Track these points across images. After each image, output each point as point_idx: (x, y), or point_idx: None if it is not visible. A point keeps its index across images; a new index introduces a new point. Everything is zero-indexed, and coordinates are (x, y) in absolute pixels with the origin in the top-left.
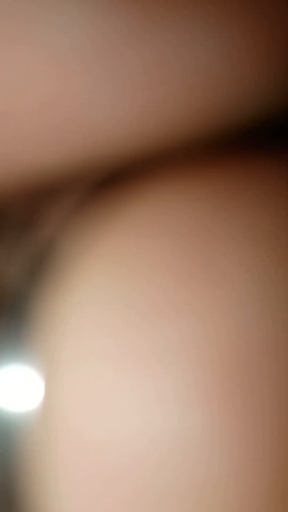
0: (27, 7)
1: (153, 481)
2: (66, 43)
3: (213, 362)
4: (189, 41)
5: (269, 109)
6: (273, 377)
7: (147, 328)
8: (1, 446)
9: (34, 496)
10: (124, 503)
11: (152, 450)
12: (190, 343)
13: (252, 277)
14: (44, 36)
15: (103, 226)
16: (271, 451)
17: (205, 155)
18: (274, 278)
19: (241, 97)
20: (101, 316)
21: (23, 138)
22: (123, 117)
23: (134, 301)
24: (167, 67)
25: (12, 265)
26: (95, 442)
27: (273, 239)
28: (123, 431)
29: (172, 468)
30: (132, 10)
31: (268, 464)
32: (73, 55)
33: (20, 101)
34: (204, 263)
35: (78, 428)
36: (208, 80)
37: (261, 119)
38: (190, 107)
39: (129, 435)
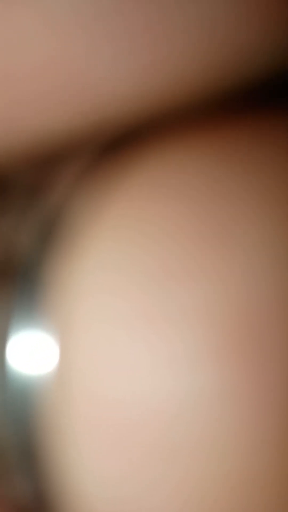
0: None
1: (165, 436)
2: (64, 4)
3: (224, 324)
4: None
5: (276, 66)
6: (284, 338)
7: (159, 291)
8: (20, 408)
9: (53, 453)
10: (138, 456)
11: (164, 407)
12: (201, 305)
13: (263, 240)
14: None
15: (112, 190)
16: (281, 408)
17: (212, 115)
18: (283, 237)
19: (247, 54)
20: (112, 279)
21: (25, 102)
22: (125, 78)
23: (145, 264)
24: (170, 24)
25: (23, 232)
26: (109, 400)
27: (284, 200)
28: (136, 390)
29: (184, 424)
30: None
31: (277, 421)
32: (71, 16)
33: (18, 63)
34: (215, 225)
35: (93, 388)
36: (213, 36)
37: (268, 76)
38: (195, 65)
39: (142, 393)
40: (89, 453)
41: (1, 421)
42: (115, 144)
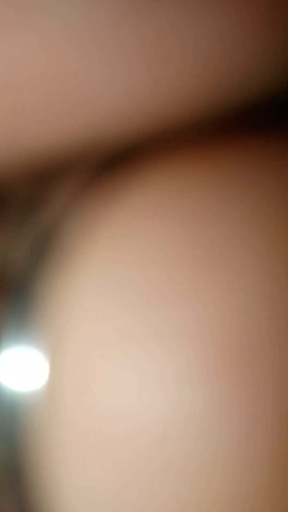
0: None
1: (154, 454)
2: (61, 25)
3: (214, 343)
4: (188, 17)
5: (271, 88)
6: (274, 358)
7: (149, 310)
8: (8, 424)
9: (41, 469)
10: (126, 473)
11: (153, 426)
12: (192, 325)
13: (254, 261)
14: (34, 22)
15: (107, 208)
16: (271, 428)
17: (207, 136)
18: (277, 262)
19: (243, 76)
20: (104, 297)
21: (22, 116)
22: (122, 96)
23: (136, 284)
24: (166, 46)
25: (17, 247)
26: (98, 417)
27: (276, 222)
28: (125, 408)
29: (172, 443)
30: None
31: (267, 442)
32: (69, 36)
33: (16, 79)
34: (207, 246)
35: (82, 405)
36: (209, 59)
37: (263, 99)
38: (190, 86)
39: (131, 411)
40: (78, 470)
41: None
42: (112, 161)
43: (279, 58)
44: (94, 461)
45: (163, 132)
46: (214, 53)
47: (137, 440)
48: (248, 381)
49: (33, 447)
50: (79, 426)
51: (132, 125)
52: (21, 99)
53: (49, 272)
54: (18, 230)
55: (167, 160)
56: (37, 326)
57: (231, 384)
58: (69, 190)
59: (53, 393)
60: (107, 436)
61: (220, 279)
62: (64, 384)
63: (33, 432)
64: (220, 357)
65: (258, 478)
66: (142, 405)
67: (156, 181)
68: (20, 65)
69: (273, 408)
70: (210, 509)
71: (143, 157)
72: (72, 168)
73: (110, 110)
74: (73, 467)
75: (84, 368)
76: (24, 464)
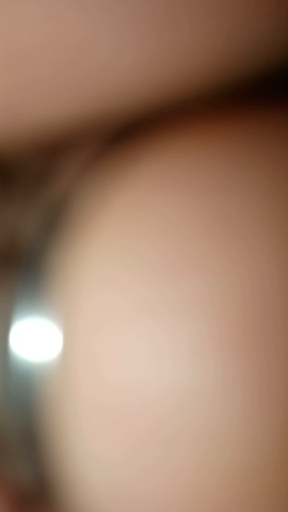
0: None
1: (166, 424)
2: None
3: (227, 315)
4: None
5: (283, 58)
6: (285, 328)
7: (161, 282)
8: (23, 395)
9: (55, 438)
10: (138, 441)
11: (166, 395)
12: (204, 296)
13: (267, 233)
14: None
15: (117, 181)
16: (283, 400)
17: (218, 106)
18: None
19: (254, 45)
20: (116, 269)
21: (29, 88)
22: (130, 67)
23: (148, 255)
24: (175, 15)
25: (27, 220)
26: (111, 387)
27: None
28: (137, 378)
29: (185, 413)
30: None
31: (279, 413)
32: (75, 4)
33: (22, 51)
34: (218, 217)
35: (95, 375)
36: (219, 27)
37: (274, 68)
38: (200, 56)
39: (144, 381)
40: (91, 438)
41: (4, 406)
42: (120, 134)
43: None
44: (107, 430)
45: (172, 103)
46: (224, 21)
47: (150, 409)
48: (260, 352)
49: (47, 417)
50: (92, 396)
51: (140, 96)
52: (27, 70)
53: (60, 244)
54: (28, 204)
55: (176, 132)
56: (49, 298)
57: (244, 355)
58: (78, 163)
59: (66, 363)
60: (120, 406)
61: (232, 250)
62: (77, 354)
63: (47, 402)
64: (232, 328)
65: (269, 449)
66: (155, 375)
67: (166, 153)
68: (25, 35)
69: (285, 382)
70: (221, 479)
71: (152, 128)
72: (81, 140)
73: (118, 81)
74: (87, 436)
75: (97, 339)
76: (38, 433)
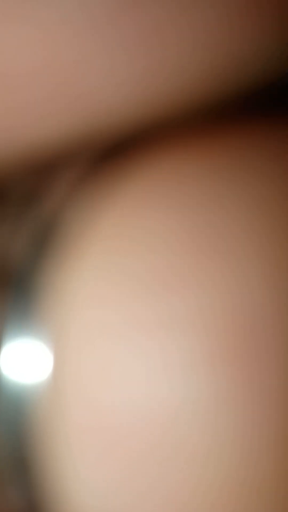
0: None
1: (160, 445)
2: (59, 16)
3: (218, 331)
4: (186, 5)
5: (270, 74)
6: (278, 344)
7: (152, 299)
8: (13, 416)
9: (47, 462)
10: (132, 464)
11: (159, 415)
12: (195, 313)
13: (255, 247)
14: (32, 12)
15: (108, 199)
16: (276, 416)
17: (206, 123)
18: (278, 248)
19: (240, 62)
20: (107, 288)
21: (21, 110)
22: (121, 86)
23: (138, 273)
24: (164, 34)
25: (18, 240)
26: (103, 408)
27: (276, 208)
28: (130, 398)
29: (179, 431)
30: None
31: (273, 429)
32: (67, 27)
33: (15, 73)
34: (208, 233)
35: (87, 397)
36: (207, 45)
37: (261, 84)
38: (189, 73)
39: (137, 401)
40: (83, 462)
41: None
42: (111, 152)
43: (277, 43)
44: (99, 452)
45: (162, 121)
46: (211, 39)
47: (143, 430)
48: (252, 367)
49: (38, 439)
50: (84, 418)
51: (131, 115)
52: (19, 93)
53: (50, 264)
54: (18, 223)
55: (166, 149)
56: (39, 318)
57: (236, 371)
58: (68, 182)
59: (57, 384)
60: (112, 427)
61: (222, 266)
62: (68, 375)
63: (37, 424)
64: (224, 344)
65: (264, 465)
66: (147, 395)
67: (156, 170)
68: (18, 57)
69: (278, 394)
70: (217, 498)
71: (142, 146)
72: (72, 159)
73: (109, 101)
74: (78, 459)
75: (88, 359)
76: (29, 456)
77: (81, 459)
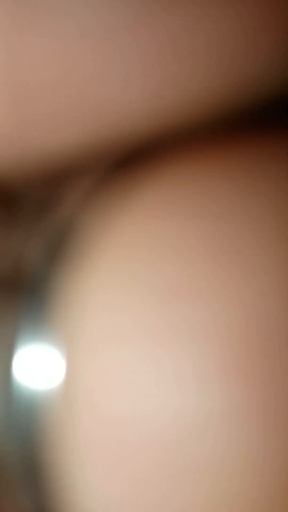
0: None
1: (172, 455)
2: (74, 27)
3: (231, 341)
4: (202, 18)
5: (284, 87)
6: None
7: (165, 308)
8: (25, 422)
9: (57, 469)
10: (143, 475)
11: (171, 425)
12: (208, 322)
13: (269, 256)
14: (49, 24)
15: (120, 208)
16: None
17: (220, 135)
18: None
19: (256, 76)
20: (119, 296)
21: (37, 121)
22: (135, 98)
23: (152, 281)
24: (179, 46)
25: (32, 247)
26: (115, 417)
27: None
28: (142, 407)
29: (191, 444)
30: None
31: (287, 441)
32: (82, 38)
33: (30, 84)
34: (222, 243)
35: (99, 405)
36: (222, 58)
37: (276, 97)
38: (203, 86)
39: (148, 411)
40: (93, 470)
41: (6, 435)
42: (124, 162)
43: None
44: (110, 460)
45: (175, 131)
46: (226, 53)
47: (154, 440)
48: (266, 378)
49: (49, 446)
50: (95, 426)
51: (144, 125)
52: (35, 105)
53: (64, 271)
54: (32, 230)
55: (179, 159)
56: (52, 325)
57: (249, 382)
58: (82, 190)
59: (69, 391)
60: (123, 436)
61: (235, 275)
62: (80, 382)
63: (49, 431)
64: (237, 354)
65: (279, 479)
66: (160, 404)
67: (169, 180)
68: (34, 68)
69: None
70: (230, 511)
71: (155, 156)
72: (87, 168)
73: (124, 112)
74: (89, 467)
75: (101, 366)
76: (40, 463)
77: (91, 467)
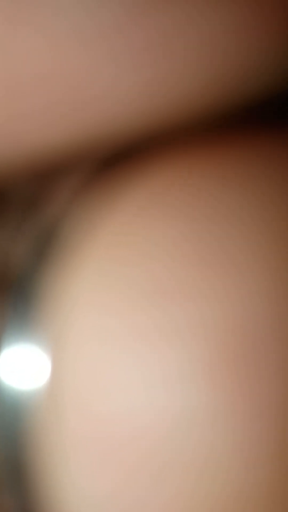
0: None
1: (157, 455)
2: (66, 23)
3: (219, 342)
4: (193, 15)
5: (274, 86)
6: (277, 355)
7: (152, 308)
8: (10, 423)
9: (43, 469)
10: (128, 474)
11: (157, 425)
12: (195, 323)
13: (257, 258)
14: (39, 19)
15: (109, 206)
16: (275, 427)
17: (210, 133)
18: (279, 259)
19: (246, 73)
20: (106, 296)
21: (26, 116)
22: (125, 95)
23: (138, 281)
24: (170, 43)
25: (19, 245)
26: (100, 417)
27: (279, 219)
28: (127, 408)
29: (175, 442)
30: None
31: (271, 440)
32: (73, 34)
33: (20, 79)
34: (211, 244)
35: (84, 405)
36: (213, 56)
37: (266, 96)
38: (194, 83)
39: (134, 411)
40: (79, 470)
41: None
42: (114, 160)
43: (282, 56)
44: (96, 460)
45: (166, 130)
46: (217, 51)
47: (140, 439)
48: (252, 378)
49: (34, 446)
50: (81, 426)
51: (135, 123)
52: (25, 99)
53: (50, 270)
54: (20, 229)
55: (169, 158)
56: (39, 325)
57: (235, 382)
58: (71, 188)
59: (55, 391)
60: (109, 436)
61: (223, 276)
62: (66, 382)
63: (34, 431)
64: (223, 355)
65: (261, 477)
66: (145, 404)
67: (158, 178)
68: (25, 65)
69: (276, 405)
70: (213, 509)
71: (146, 154)
72: (75, 166)
73: (113, 109)
74: (75, 467)
75: (86, 366)
76: (25, 463)
77: (77, 467)
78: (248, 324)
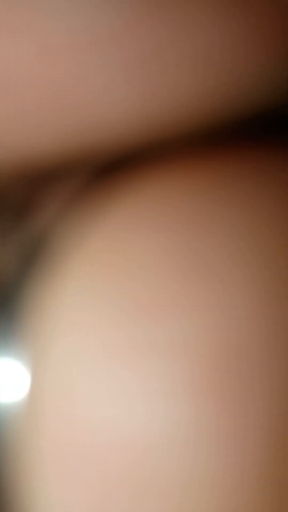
0: None
1: (137, 472)
2: (61, 30)
3: (200, 358)
4: (187, 28)
5: (269, 100)
6: (261, 373)
7: (134, 326)
8: None
9: (21, 484)
10: (108, 490)
11: (137, 440)
12: (177, 341)
13: (241, 274)
14: (34, 23)
15: (100, 215)
16: (258, 445)
17: (204, 146)
18: (266, 276)
19: (241, 87)
20: (88, 312)
21: (18, 119)
22: (117, 104)
23: (119, 299)
24: (165, 55)
25: (6, 253)
26: (79, 432)
27: (270, 236)
28: (107, 424)
29: (157, 459)
30: None
31: (255, 458)
32: (68, 42)
33: (13, 82)
34: (196, 260)
35: (63, 419)
36: (207, 68)
37: (261, 110)
38: (188, 96)
39: (113, 428)
40: (58, 484)
41: None
42: (107, 169)
43: (278, 69)
44: (75, 475)
45: (159, 142)
46: (212, 64)
47: (120, 456)
48: (234, 393)
49: (13, 460)
50: (60, 440)
51: (127, 133)
52: (16, 101)
53: (35, 284)
54: (7, 238)
55: (164, 169)
56: (20, 338)
57: (217, 399)
58: (61, 197)
59: (34, 406)
60: (89, 451)
61: (206, 293)
62: (45, 397)
63: (13, 445)
64: (206, 372)
65: (245, 491)
66: (125, 421)
67: (152, 189)
68: (17, 67)
69: (260, 419)
70: None
71: (137, 166)
72: (66, 174)
73: (105, 117)
74: (54, 481)
75: (66, 382)
76: (3, 477)
77: (56, 481)
78: (231, 340)
